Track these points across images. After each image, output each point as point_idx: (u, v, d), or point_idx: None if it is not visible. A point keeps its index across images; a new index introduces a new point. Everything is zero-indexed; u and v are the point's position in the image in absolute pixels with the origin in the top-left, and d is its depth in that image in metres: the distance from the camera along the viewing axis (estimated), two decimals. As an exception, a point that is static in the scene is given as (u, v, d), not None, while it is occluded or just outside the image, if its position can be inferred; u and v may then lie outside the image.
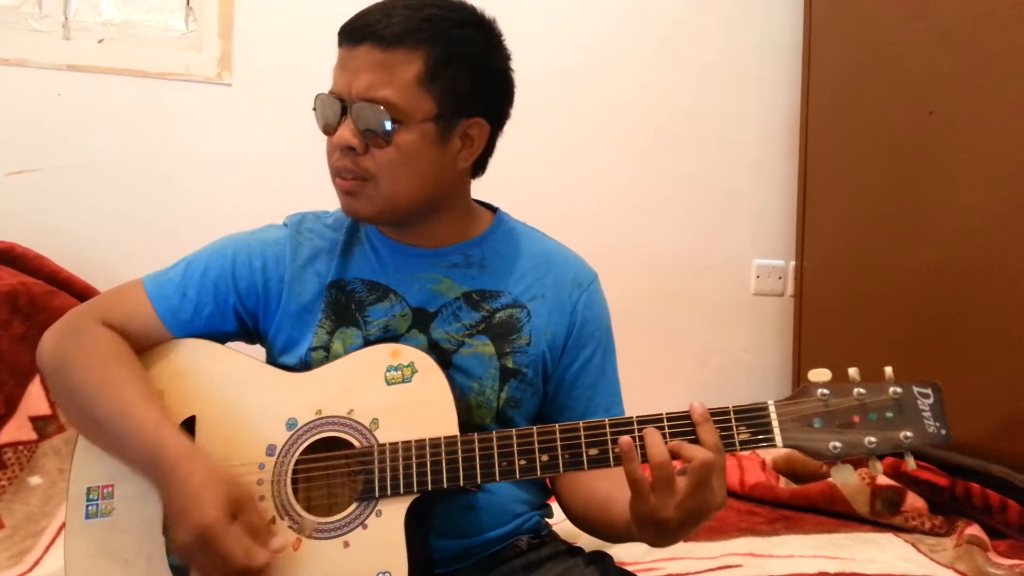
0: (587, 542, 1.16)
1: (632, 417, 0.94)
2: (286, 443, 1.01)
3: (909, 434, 0.91)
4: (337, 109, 1.01)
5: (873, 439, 0.91)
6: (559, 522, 1.20)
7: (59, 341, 1.06)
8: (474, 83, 1.03)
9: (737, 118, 2.39)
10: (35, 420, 1.64)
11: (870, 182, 2.09)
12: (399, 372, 1.01)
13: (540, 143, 2.18)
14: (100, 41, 1.96)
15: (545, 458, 0.95)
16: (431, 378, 1.00)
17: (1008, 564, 1.46)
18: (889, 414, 0.92)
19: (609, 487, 1.02)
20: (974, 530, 1.59)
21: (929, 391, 0.93)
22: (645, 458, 0.89)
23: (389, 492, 0.96)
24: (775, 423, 0.92)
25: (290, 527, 0.97)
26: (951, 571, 1.46)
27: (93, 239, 1.95)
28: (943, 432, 0.91)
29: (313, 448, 1.00)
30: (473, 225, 1.14)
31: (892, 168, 2.02)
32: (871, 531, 1.68)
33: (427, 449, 0.97)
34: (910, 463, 0.93)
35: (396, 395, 1.00)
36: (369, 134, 0.99)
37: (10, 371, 1.64)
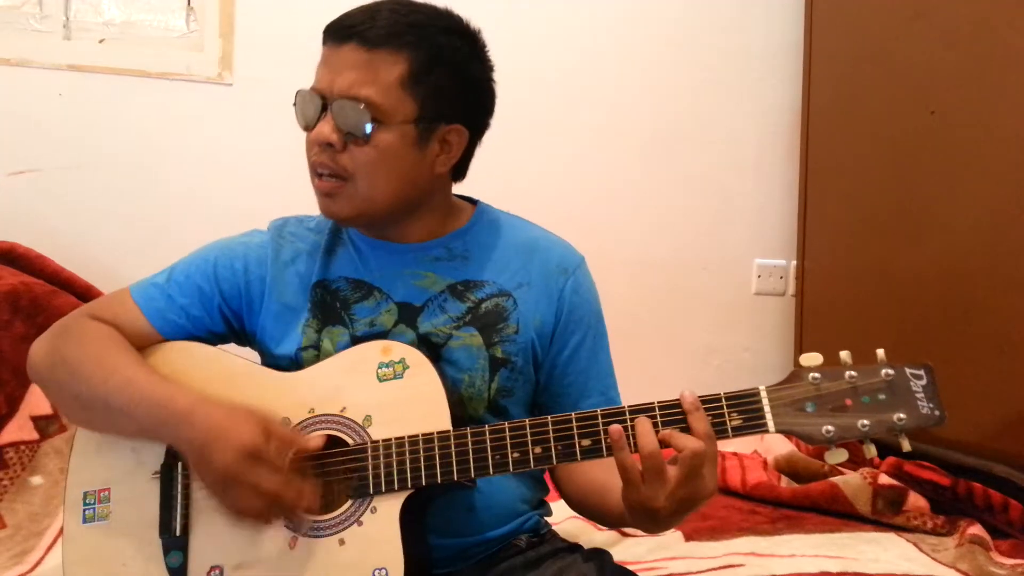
0: (586, 541, 1.16)
1: (624, 407, 0.95)
2: None
3: (903, 416, 0.90)
4: (318, 105, 1.01)
5: (866, 422, 0.91)
6: (559, 521, 1.20)
7: (50, 343, 1.07)
8: (456, 89, 1.04)
9: (738, 117, 2.39)
10: (37, 420, 1.64)
11: (871, 181, 2.08)
12: (390, 368, 1.01)
13: (541, 143, 2.19)
14: (101, 41, 1.96)
15: (538, 450, 0.95)
16: (422, 373, 1.01)
17: (1010, 564, 1.46)
18: (882, 396, 0.92)
19: (605, 475, 1.02)
20: (976, 530, 1.59)
21: (922, 372, 0.92)
22: (636, 447, 0.89)
23: (384, 488, 0.96)
24: (767, 408, 0.92)
25: (285, 525, 0.97)
26: (953, 571, 1.46)
27: (94, 239, 1.95)
28: (937, 413, 0.91)
29: (307, 446, 1.01)
30: (454, 219, 1.14)
31: (893, 167, 2.02)
32: (873, 531, 1.67)
33: (420, 445, 0.97)
34: (905, 445, 0.92)
35: (388, 391, 1.00)
36: (349, 134, 1.00)
37: (12, 371, 1.64)
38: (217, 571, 0.98)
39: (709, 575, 1.43)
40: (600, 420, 0.94)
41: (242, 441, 0.89)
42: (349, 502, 0.97)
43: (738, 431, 0.93)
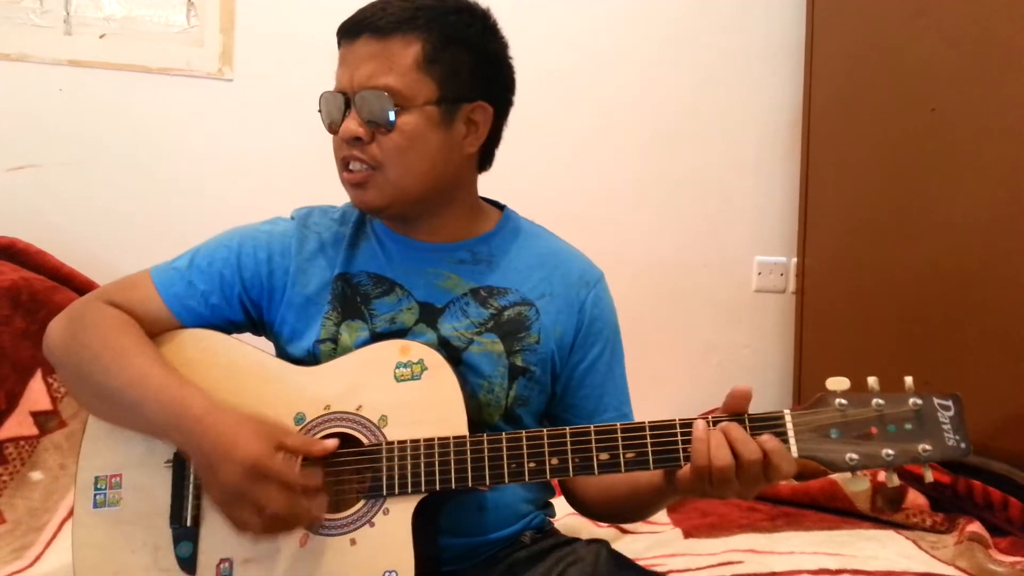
0: (586, 536, 1.16)
1: (644, 422, 0.94)
2: None
3: (928, 447, 0.89)
4: (340, 103, 1.02)
5: (891, 451, 0.89)
6: (559, 518, 1.20)
7: (66, 326, 1.06)
8: (473, 66, 1.04)
9: (739, 114, 2.38)
10: (36, 415, 1.64)
11: (872, 179, 2.08)
12: (408, 369, 1.01)
13: (542, 143, 2.18)
14: (101, 36, 1.96)
15: (555, 461, 0.94)
16: (441, 375, 1.00)
17: (1009, 561, 1.46)
18: (908, 426, 0.90)
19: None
20: (975, 527, 1.59)
21: (950, 403, 0.90)
22: (688, 455, 0.91)
23: (397, 491, 0.96)
24: (791, 433, 0.91)
25: None
26: (952, 568, 1.46)
27: (94, 234, 1.94)
28: (962, 446, 0.89)
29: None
30: (480, 222, 1.14)
31: (894, 165, 2.02)
32: (872, 528, 1.67)
33: (436, 449, 0.96)
34: (927, 476, 0.90)
35: (405, 392, 1.00)
36: (373, 123, 1.00)
37: (11, 366, 1.64)
38: (227, 564, 0.98)
39: (708, 572, 1.43)
40: (620, 435, 0.94)
41: (249, 457, 0.88)
42: (362, 502, 0.97)
43: None
